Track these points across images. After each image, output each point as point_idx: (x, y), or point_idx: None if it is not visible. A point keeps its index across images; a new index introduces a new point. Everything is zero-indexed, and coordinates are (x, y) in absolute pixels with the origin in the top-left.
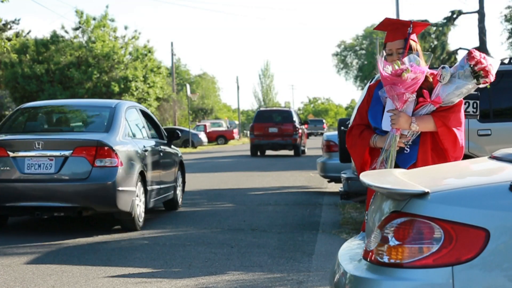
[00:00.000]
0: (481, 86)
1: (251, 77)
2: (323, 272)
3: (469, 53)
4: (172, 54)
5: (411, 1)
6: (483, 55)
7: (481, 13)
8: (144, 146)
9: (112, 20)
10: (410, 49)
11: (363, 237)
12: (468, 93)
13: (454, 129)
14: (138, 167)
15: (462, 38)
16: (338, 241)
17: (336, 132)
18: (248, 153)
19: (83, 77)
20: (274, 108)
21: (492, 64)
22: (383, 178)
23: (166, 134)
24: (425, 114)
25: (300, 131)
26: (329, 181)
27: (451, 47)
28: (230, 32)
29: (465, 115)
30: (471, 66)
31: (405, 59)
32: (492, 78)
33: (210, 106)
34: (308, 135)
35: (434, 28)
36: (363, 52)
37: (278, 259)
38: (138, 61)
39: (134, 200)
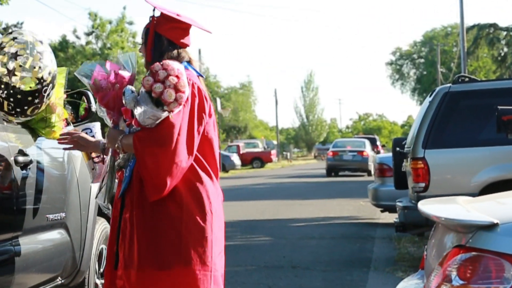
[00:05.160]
0: (174, 113)
1: (292, 90)
2: None
3: (150, 71)
4: (200, 63)
5: (477, 2)
6: (169, 72)
7: None
8: None
9: (131, 23)
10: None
11: (422, 276)
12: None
13: (146, 152)
14: None
15: None
16: (393, 280)
17: (390, 154)
18: (288, 179)
19: None
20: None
21: (179, 86)
22: (444, 207)
23: None
24: (132, 132)
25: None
26: (382, 211)
27: None
28: (267, 38)
29: None
30: (147, 92)
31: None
32: (176, 109)
33: (244, 123)
34: None
35: (505, 33)
36: (422, 60)
37: None
38: None
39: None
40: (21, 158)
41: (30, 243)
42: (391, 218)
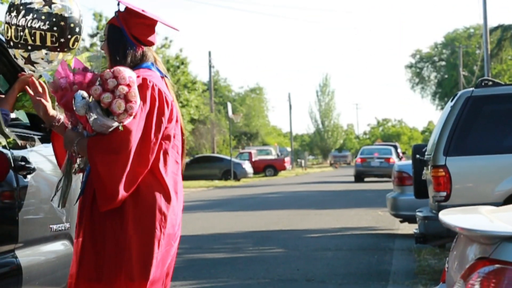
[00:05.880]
0: (126, 123)
1: (307, 95)
2: None
3: (100, 78)
4: (210, 66)
5: (501, 2)
6: (120, 80)
7: None
8: None
9: None
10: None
11: None
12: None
13: (98, 159)
14: None
15: None
16: None
17: (409, 161)
18: (303, 187)
19: None
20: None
21: (130, 96)
22: (467, 217)
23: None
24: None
25: None
26: (401, 221)
27: None
28: (280, 40)
29: None
30: (95, 102)
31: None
32: (126, 120)
33: (256, 129)
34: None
35: None
36: (443, 63)
37: None
38: (169, 74)
39: None
40: (23, 166)
41: (32, 255)
42: (410, 228)
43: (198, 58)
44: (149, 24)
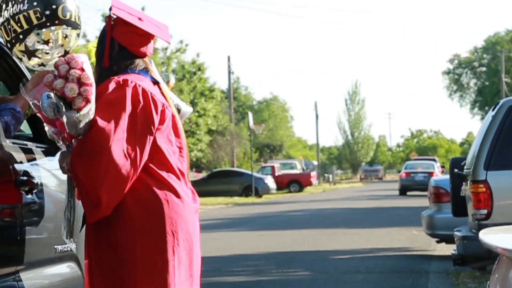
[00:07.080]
0: (83, 112)
1: (334, 103)
2: None
3: (54, 67)
4: (230, 72)
5: None
6: (71, 65)
7: None
8: None
9: None
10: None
11: None
12: (87, 120)
13: (77, 164)
14: None
15: None
16: None
17: (447, 176)
18: (330, 204)
19: None
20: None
21: (83, 78)
22: (509, 237)
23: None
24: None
25: None
26: (438, 241)
27: None
28: (305, 44)
29: None
30: (55, 95)
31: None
32: (84, 106)
33: (279, 141)
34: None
35: None
36: (484, 69)
37: None
38: (184, 81)
39: None
40: (25, 181)
41: (35, 278)
42: (448, 249)
43: (216, 64)
44: (141, 34)
